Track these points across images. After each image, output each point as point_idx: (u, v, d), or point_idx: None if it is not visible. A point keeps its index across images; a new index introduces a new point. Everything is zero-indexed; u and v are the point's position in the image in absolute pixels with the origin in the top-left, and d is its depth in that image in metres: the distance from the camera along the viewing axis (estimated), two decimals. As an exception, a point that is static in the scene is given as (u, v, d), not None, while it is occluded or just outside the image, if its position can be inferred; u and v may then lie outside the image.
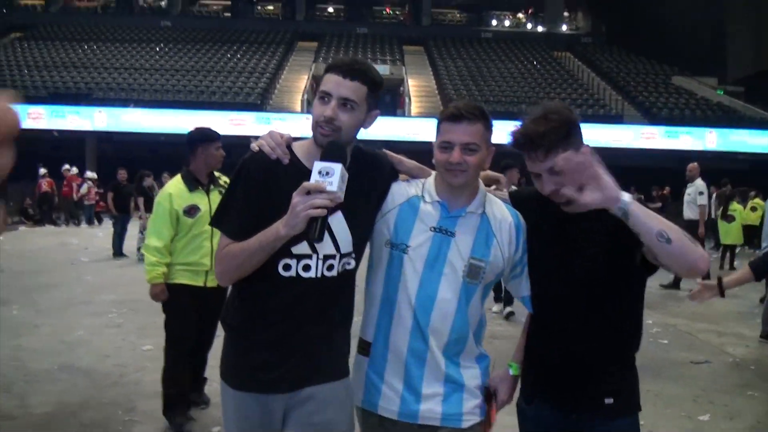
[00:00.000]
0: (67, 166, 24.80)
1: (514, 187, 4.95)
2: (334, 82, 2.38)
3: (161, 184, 13.39)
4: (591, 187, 2.16)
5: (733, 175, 23.61)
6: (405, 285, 2.49)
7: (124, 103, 31.19)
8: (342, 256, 2.47)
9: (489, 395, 2.60)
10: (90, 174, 23.54)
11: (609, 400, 2.45)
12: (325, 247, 2.41)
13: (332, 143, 2.32)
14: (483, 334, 2.66)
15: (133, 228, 15.70)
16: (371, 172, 2.58)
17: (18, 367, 6.48)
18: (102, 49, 39.82)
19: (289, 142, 2.48)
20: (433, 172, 2.62)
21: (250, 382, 2.45)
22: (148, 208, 14.34)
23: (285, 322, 2.43)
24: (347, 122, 2.39)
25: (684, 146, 29.82)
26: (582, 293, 2.46)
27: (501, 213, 2.59)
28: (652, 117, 33.06)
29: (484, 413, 2.59)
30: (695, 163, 13.06)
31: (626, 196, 2.15)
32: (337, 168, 2.19)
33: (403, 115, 32.14)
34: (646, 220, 2.16)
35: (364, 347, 2.59)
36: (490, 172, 2.79)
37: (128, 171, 16.00)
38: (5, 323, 8.16)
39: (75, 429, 5.02)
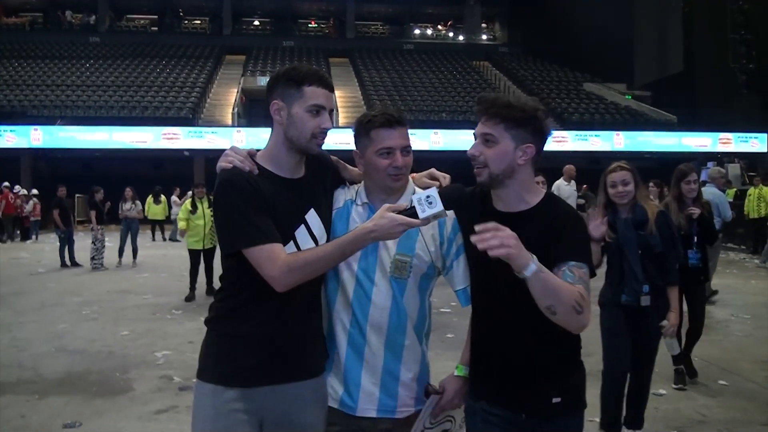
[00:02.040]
0: (7, 184, 25.52)
1: None
2: (324, 96, 2.52)
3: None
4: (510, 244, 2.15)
5: (642, 172, 25.79)
6: (343, 283, 2.61)
7: (55, 120, 31.84)
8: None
9: (430, 392, 2.65)
10: (34, 191, 24.38)
11: (557, 399, 2.46)
12: (307, 243, 2.54)
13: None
14: (426, 328, 2.72)
15: (86, 239, 16.96)
16: (326, 171, 2.75)
17: (21, 351, 7.91)
18: (33, 66, 40.24)
19: (252, 154, 2.58)
20: (360, 174, 2.77)
21: (234, 376, 2.48)
22: (99, 220, 15.79)
23: (278, 319, 2.50)
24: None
25: (594, 148, 32.17)
26: (517, 291, 2.37)
27: None
28: (564, 122, 35.09)
29: (419, 405, 2.65)
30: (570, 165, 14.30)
31: (532, 269, 2.16)
32: (437, 208, 2.28)
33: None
34: (541, 293, 2.21)
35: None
36: (435, 172, 2.87)
37: (65, 187, 17.26)
38: (-6, 322, 9.53)
39: (85, 386, 6.51)
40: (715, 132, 33.32)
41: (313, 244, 2.53)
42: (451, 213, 2.60)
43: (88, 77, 38.71)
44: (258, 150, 2.62)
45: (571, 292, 2.24)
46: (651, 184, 12.70)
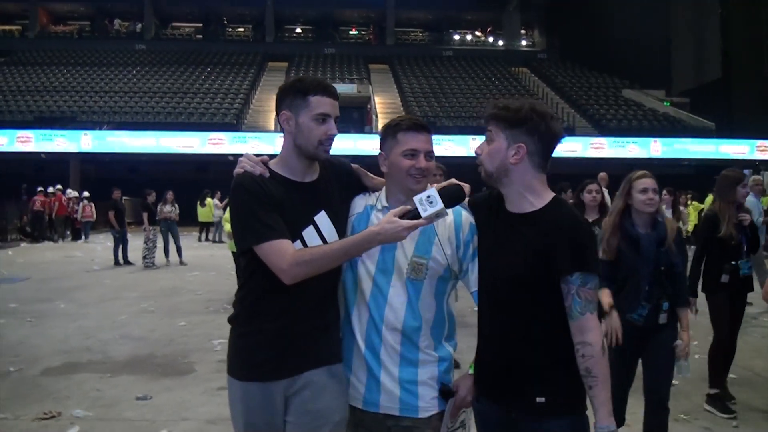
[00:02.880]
0: (59, 187, 26.61)
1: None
2: (329, 105, 2.68)
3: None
4: None
5: (679, 179, 26.05)
6: (361, 285, 2.71)
7: (101, 125, 32.85)
8: None
9: (445, 392, 2.71)
10: (85, 194, 25.39)
11: (540, 399, 2.49)
12: (314, 242, 2.67)
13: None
14: (446, 331, 2.79)
15: (138, 239, 17.78)
16: (341, 177, 2.87)
17: (88, 337, 8.63)
18: (81, 73, 41.58)
19: (264, 161, 2.71)
20: (383, 181, 2.88)
21: (254, 372, 2.64)
22: (151, 221, 16.61)
23: (287, 317, 2.63)
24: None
25: (631, 155, 32.34)
26: (512, 294, 2.54)
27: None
28: (602, 128, 35.33)
29: (442, 405, 2.72)
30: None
31: (611, 427, 2.40)
32: (438, 202, 2.42)
33: (371, 131, 33.96)
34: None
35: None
36: (454, 181, 2.86)
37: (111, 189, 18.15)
38: (59, 313, 10.31)
39: (151, 368, 7.20)
40: (753, 139, 33.13)
41: (320, 243, 2.66)
42: (467, 216, 2.76)
43: (135, 83, 39.96)
44: (272, 156, 2.79)
45: (609, 382, 2.43)
46: (664, 192, 12.07)
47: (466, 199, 2.78)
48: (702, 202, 21.83)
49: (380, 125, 25.53)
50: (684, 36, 40.10)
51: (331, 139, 2.68)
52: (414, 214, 2.41)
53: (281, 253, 2.50)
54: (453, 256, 2.72)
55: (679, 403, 5.67)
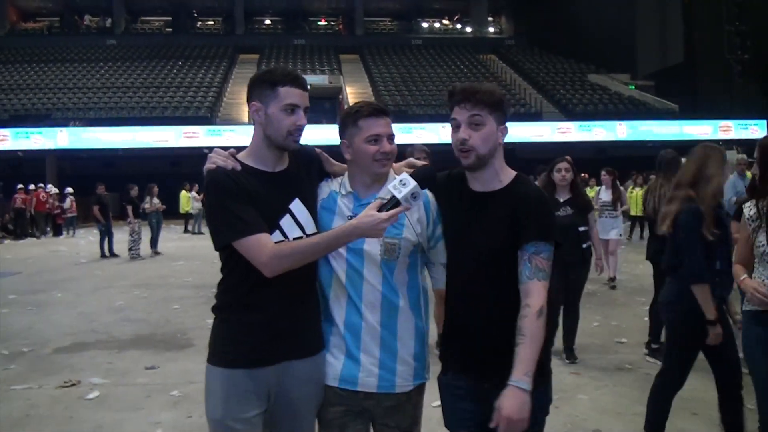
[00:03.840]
0: (41, 184, 27.10)
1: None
2: (298, 95, 2.68)
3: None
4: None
5: (645, 161, 26.97)
6: (335, 268, 2.74)
7: (85, 122, 33.24)
8: (308, 237, 2.69)
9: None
10: (69, 189, 25.89)
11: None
12: (293, 231, 2.69)
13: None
14: (422, 304, 2.84)
15: (123, 232, 18.40)
16: (310, 163, 2.89)
17: (91, 321, 9.33)
18: (53, 69, 41.89)
19: (233, 154, 2.71)
20: (345, 168, 2.90)
21: (239, 359, 2.64)
22: (135, 214, 17.26)
23: (274, 305, 2.65)
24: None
25: (597, 138, 33.30)
26: (486, 270, 2.62)
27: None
28: (569, 113, 36.27)
29: (419, 379, 2.78)
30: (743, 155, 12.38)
31: (522, 384, 2.41)
32: (411, 184, 2.46)
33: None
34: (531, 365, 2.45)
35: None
36: (412, 160, 3.08)
37: (91, 185, 18.76)
38: (58, 302, 10.98)
39: (154, 344, 7.94)
40: (716, 120, 34.14)
41: (299, 232, 2.70)
42: (431, 195, 2.80)
43: (107, 79, 40.30)
44: (241, 149, 2.79)
45: (537, 344, 2.47)
46: (603, 172, 12.36)
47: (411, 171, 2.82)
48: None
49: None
50: (648, 21, 41.03)
51: (300, 129, 2.69)
52: (393, 202, 2.45)
53: (260, 247, 2.53)
54: (423, 234, 2.78)
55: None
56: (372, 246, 2.70)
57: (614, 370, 6.66)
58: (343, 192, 2.80)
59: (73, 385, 6.36)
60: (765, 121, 33.60)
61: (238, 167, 2.66)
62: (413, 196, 2.47)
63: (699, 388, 5.49)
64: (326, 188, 2.87)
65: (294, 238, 2.67)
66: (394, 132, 2.80)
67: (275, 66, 3.44)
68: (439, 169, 2.86)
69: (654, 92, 40.21)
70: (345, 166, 2.89)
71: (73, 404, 5.84)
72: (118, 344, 7.96)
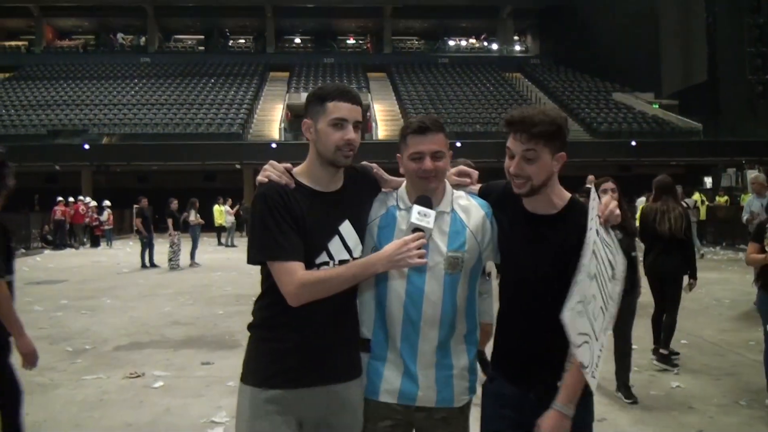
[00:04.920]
0: (80, 197, 28.17)
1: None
2: (347, 109, 2.62)
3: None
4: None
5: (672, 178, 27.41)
6: (393, 284, 2.69)
7: (119, 137, 34.33)
8: (354, 260, 2.66)
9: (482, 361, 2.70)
10: (107, 202, 26.91)
11: (561, 383, 2.57)
12: (340, 253, 2.66)
13: (424, 196, 2.63)
14: (476, 319, 2.86)
15: (164, 244, 19.23)
16: (364, 183, 2.85)
17: (143, 324, 10.07)
18: (88, 86, 43.16)
19: (289, 169, 2.68)
20: (403, 181, 2.86)
21: (270, 379, 2.60)
22: (176, 227, 18.10)
23: (311, 326, 2.60)
24: (359, 140, 2.68)
25: (623, 156, 33.78)
26: (535, 286, 2.65)
27: (470, 205, 2.80)
28: (593, 131, 36.82)
29: (473, 392, 2.81)
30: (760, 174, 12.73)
31: (565, 409, 2.51)
32: (432, 213, 2.52)
33: (371, 138, 35.44)
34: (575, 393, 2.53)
35: (365, 344, 2.78)
36: (463, 168, 3.03)
37: (125, 199, 19.60)
38: (108, 307, 11.75)
39: (205, 344, 8.67)
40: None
41: (346, 255, 2.66)
42: (489, 207, 2.82)
43: (142, 96, 41.48)
44: (297, 164, 2.76)
45: (578, 381, 2.52)
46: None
47: (478, 187, 2.96)
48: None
49: (380, 132, 27.04)
50: (672, 40, 41.36)
51: (349, 144, 2.63)
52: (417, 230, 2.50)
53: (289, 276, 2.51)
54: (484, 242, 2.77)
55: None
56: (436, 260, 2.67)
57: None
58: (402, 206, 2.78)
59: (138, 376, 7.09)
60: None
61: (292, 184, 2.65)
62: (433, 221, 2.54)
63: (695, 385, 6.18)
64: (384, 204, 2.85)
65: (340, 261, 2.66)
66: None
67: (329, 83, 3.51)
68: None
69: (678, 111, 40.44)
70: (401, 180, 2.89)
71: (141, 391, 6.57)
72: (172, 344, 8.69)
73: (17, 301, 4.14)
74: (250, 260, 2.62)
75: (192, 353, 8.14)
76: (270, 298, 2.64)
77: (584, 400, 2.60)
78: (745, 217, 10.97)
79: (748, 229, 10.10)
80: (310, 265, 2.58)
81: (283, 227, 2.54)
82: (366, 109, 39.03)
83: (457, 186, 2.89)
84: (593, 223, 2.50)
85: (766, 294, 5.78)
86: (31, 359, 4.06)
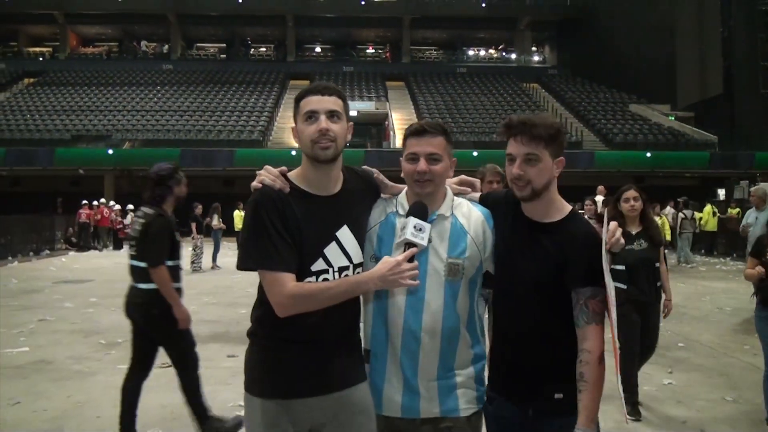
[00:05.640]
0: (103, 200, 28.91)
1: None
2: (315, 101, 2.58)
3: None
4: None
5: (685, 190, 27.96)
6: (393, 292, 2.66)
7: (142, 143, 35.02)
8: (355, 266, 2.66)
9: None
10: (130, 206, 27.64)
11: (559, 396, 2.58)
12: (339, 260, 2.62)
13: (421, 204, 2.62)
14: (479, 328, 2.82)
15: (187, 247, 19.80)
16: (364, 188, 2.81)
17: (170, 322, 10.59)
18: (112, 92, 43.81)
19: (284, 172, 2.64)
20: (404, 188, 2.83)
21: (277, 389, 2.58)
22: (199, 230, 18.69)
23: (311, 334, 2.58)
24: (340, 132, 2.62)
25: (637, 167, 34.10)
26: (531, 295, 2.63)
27: (471, 212, 2.77)
28: (608, 142, 37.15)
29: (481, 402, 2.76)
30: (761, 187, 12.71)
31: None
32: (427, 227, 2.51)
33: (389, 147, 35.76)
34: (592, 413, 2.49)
35: (365, 355, 2.77)
36: (465, 177, 3.01)
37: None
38: (136, 305, 12.27)
39: (230, 339, 9.25)
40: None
41: (345, 261, 2.63)
42: (489, 214, 2.82)
43: (165, 102, 42.13)
44: (291, 168, 2.70)
45: (600, 390, 2.52)
46: (588, 202, 12.99)
47: (478, 195, 2.95)
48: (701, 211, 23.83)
49: (398, 141, 27.50)
50: (688, 53, 41.66)
51: (323, 134, 2.57)
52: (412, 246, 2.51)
53: (279, 287, 2.48)
54: (485, 250, 2.76)
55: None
56: (436, 267, 2.66)
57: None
58: (401, 211, 2.75)
59: (170, 366, 7.62)
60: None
61: (287, 189, 2.60)
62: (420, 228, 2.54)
63: (686, 382, 6.68)
64: (383, 211, 2.82)
65: (339, 267, 2.62)
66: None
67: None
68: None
69: (693, 123, 40.70)
70: (402, 187, 2.88)
71: (173, 379, 6.99)
72: (200, 339, 9.05)
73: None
74: (240, 266, 2.60)
75: (218, 347, 8.71)
76: (269, 306, 2.58)
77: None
78: (741, 227, 11.45)
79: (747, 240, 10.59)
80: (306, 271, 2.57)
81: (273, 236, 2.51)
82: (384, 117, 39.69)
83: (458, 194, 2.89)
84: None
85: (764, 311, 5.68)
86: (185, 323, 5.63)
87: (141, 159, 33.55)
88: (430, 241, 2.61)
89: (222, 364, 7.79)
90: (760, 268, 5.49)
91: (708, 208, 24.91)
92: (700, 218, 23.94)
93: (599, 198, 16.07)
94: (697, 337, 9.49)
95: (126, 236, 27.60)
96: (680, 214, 21.15)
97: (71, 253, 25.78)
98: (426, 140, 2.67)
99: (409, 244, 2.48)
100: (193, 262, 18.68)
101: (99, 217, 28.06)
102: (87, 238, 27.68)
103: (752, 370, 7.20)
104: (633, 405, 5.96)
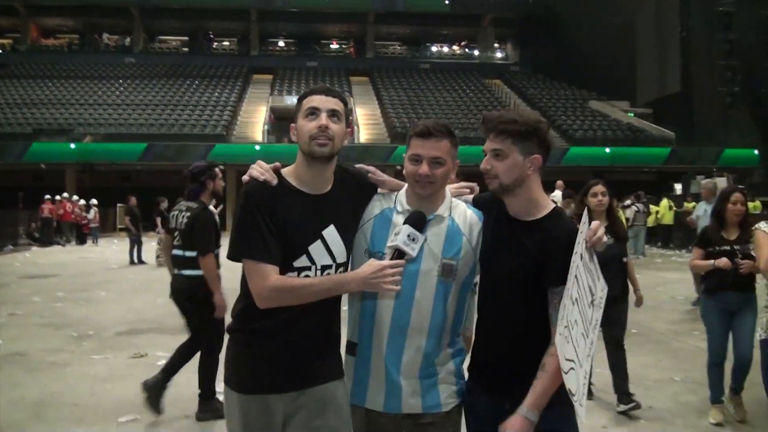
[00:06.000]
0: (66, 195, 28.78)
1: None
2: (318, 100, 2.62)
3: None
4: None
5: (643, 184, 28.69)
6: (383, 293, 2.62)
7: (103, 137, 34.81)
8: (338, 266, 2.67)
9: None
10: (93, 201, 27.59)
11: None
12: (323, 258, 2.63)
13: (419, 213, 2.62)
14: (460, 328, 2.84)
15: (151, 241, 19.93)
16: (356, 189, 2.80)
17: (140, 313, 10.85)
18: (74, 85, 43.44)
19: (277, 168, 2.67)
20: (405, 185, 2.80)
21: (254, 385, 2.62)
22: (163, 225, 18.77)
23: (290, 331, 2.60)
24: (338, 132, 2.64)
25: (597, 162, 34.69)
26: (512, 291, 2.64)
27: (466, 214, 2.77)
28: (569, 138, 37.67)
29: (460, 396, 2.78)
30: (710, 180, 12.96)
31: (530, 414, 2.48)
32: (421, 238, 2.52)
33: (353, 142, 35.79)
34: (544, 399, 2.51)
35: (351, 348, 2.78)
36: (464, 183, 2.99)
37: (108, 198, 20.10)
38: (104, 299, 12.53)
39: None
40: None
41: (329, 260, 2.64)
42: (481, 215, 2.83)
43: (127, 96, 41.82)
44: (286, 165, 2.74)
45: (556, 383, 2.49)
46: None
47: (472, 196, 2.95)
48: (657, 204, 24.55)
49: (362, 136, 27.72)
50: (647, 51, 42.42)
51: (322, 131, 2.59)
52: (399, 255, 2.52)
53: (261, 278, 2.51)
54: (477, 252, 2.76)
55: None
56: (429, 266, 2.66)
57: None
58: (399, 209, 2.74)
59: (142, 356, 7.87)
60: (756, 150, 34.97)
61: (274, 182, 2.62)
62: (413, 239, 2.55)
63: (637, 365, 7.07)
64: (378, 205, 2.82)
65: (322, 266, 2.64)
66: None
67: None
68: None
69: (652, 120, 41.52)
70: (398, 181, 2.89)
71: (148, 368, 7.29)
72: (170, 330, 9.38)
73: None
74: (228, 256, 2.60)
75: (188, 338, 8.90)
76: (250, 299, 2.59)
77: (566, 412, 2.56)
78: (689, 219, 11.87)
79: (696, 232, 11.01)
80: (288, 267, 2.58)
81: (261, 227, 2.53)
82: (348, 113, 39.74)
83: (456, 195, 2.89)
84: (579, 247, 2.49)
85: (709, 300, 5.96)
86: (221, 312, 5.92)
87: (103, 153, 33.47)
88: (422, 249, 2.61)
89: (196, 355, 7.99)
90: (723, 259, 5.60)
91: (665, 202, 25.66)
92: (657, 212, 24.66)
93: (557, 193, 16.37)
94: (650, 324, 9.90)
95: (90, 231, 27.72)
96: (633, 207, 21.74)
97: (34, 248, 25.70)
98: (431, 143, 2.64)
99: (398, 252, 2.50)
100: (158, 257, 18.66)
101: (62, 212, 27.94)
102: (50, 233, 27.55)
103: (699, 353, 7.57)
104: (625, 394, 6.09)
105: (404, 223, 2.57)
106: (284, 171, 2.69)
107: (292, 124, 2.69)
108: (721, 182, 30.13)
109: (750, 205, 10.56)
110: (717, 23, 37.84)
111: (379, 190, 2.89)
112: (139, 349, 8.25)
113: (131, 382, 6.78)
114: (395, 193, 2.83)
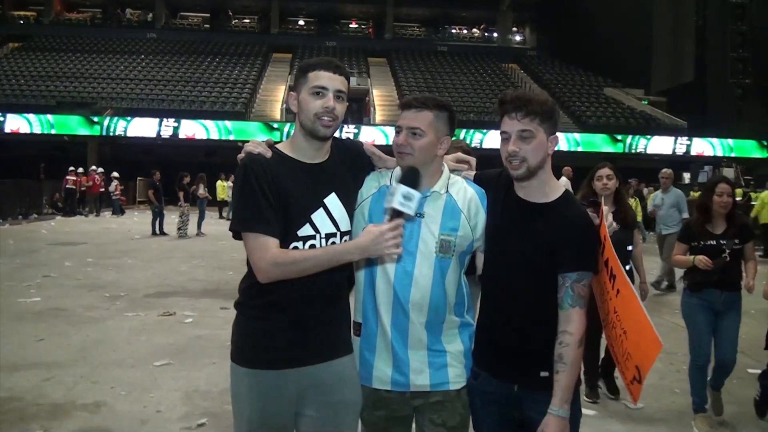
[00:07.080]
0: (93, 167, 29.71)
1: None
2: (327, 78, 2.60)
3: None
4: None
5: (652, 173, 29.09)
6: (383, 265, 2.66)
7: (125, 111, 35.64)
8: (342, 234, 2.67)
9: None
10: (115, 174, 28.47)
11: (544, 374, 2.58)
12: (326, 226, 2.63)
13: (412, 169, 2.55)
14: (467, 304, 2.81)
15: (173, 214, 20.84)
16: (354, 157, 2.83)
17: (164, 278, 11.70)
18: (96, 59, 44.12)
19: (270, 144, 2.67)
20: None
21: (265, 360, 2.58)
22: (186, 199, 19.69)
23: (300, 303, 2.59)
24: (342, 112, 2.65)
25: (609, 149, 35.18)
26: (521, 275, 2.62)
27: (465, 190, 2.76)
28: (583, 124, 38.13)
29: (468, 375, 2.76)
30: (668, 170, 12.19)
31: (562, 412, 2.51)
32: (417, 196, 2.40)
33: (368, 123, 36.57)
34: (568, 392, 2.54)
35: (356, 328, 2.78)
36: (461, 155, 2.97)
37: (129, 171, 20.95)
38: (130, 266, 13.35)
39: (222, 294, 10.23)
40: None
41: (332, 227, 2.63)
42: (483, 192, 2.80)
43: (148, 72, 42.53)
44: (278, 142, 2.73)
45: (576, 372, 2.56)
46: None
47: (473, 173, 2.92)
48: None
49: (378, 117, 28.25)
50: (664, 40, 42.67)
51: (328, 111, 2.59)
52: (397, 215, 2.42)
53: (262, 251, 2.47)
54: (477, 229, 2.74)
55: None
56: (427, 243, 2.65)
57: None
58: (394, 185, 2.60)
59: (171, 314, 8.71)
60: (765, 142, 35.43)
61: (268, 154, 2.61)
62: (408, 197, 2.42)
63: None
64: (375, 183, 2.82)
65: (326, 234, 2.62)
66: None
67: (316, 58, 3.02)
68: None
69: (665, 108, 41.66)
70: (393, 159, 2.84)
71: (176, 324, 8.19)
72: (194, 294, 10.30)
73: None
74: (231, 228, 2.61)
75: (211, 301, 9.75)
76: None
77: (575, 397, 2.61)
78: (649, 210, 12.06)
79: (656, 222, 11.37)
80: (292, 236, 2.56)
81: (260, 200, 2.50)
82: (365, 93, 40.43)
83: (454, 171, 2.87)
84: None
85: (693, 297, 5.63)
86: None
87: (126, 127, 34.24)
88: (420, 215, 2.63)
89: (217, 314, 8.85)
90: (702, 257, 5.32)
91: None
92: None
93: (564, 180, 16.88)
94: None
95: (113, 202, 28.68)
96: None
97: (58, 218, 26.57)
98: (411, 114, 2.66)
99: (396, 212, 2.40)
100: (179, 229, 19.59)
101: (91, 183, 28.85)
102: (73, 204, 28.44)
103: (677, 329, 8.18)
104: (592, 388, 6.04)
105: (399, 182, 2.48)
106: (279, 145, 2.71)
107: (292, 92, 2.69)
108: (729, 173, 30.71)
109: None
110: (731, 13, 38.12)
111: (375, 167, 2.90)
112: (167, 308, 9.08)
113: (163, 335, 7.62)
114: (391, 170, 2.84)
